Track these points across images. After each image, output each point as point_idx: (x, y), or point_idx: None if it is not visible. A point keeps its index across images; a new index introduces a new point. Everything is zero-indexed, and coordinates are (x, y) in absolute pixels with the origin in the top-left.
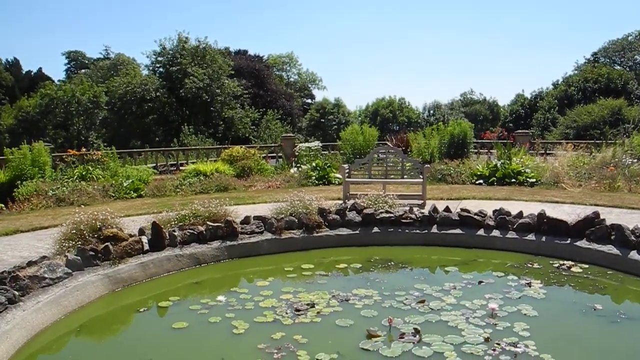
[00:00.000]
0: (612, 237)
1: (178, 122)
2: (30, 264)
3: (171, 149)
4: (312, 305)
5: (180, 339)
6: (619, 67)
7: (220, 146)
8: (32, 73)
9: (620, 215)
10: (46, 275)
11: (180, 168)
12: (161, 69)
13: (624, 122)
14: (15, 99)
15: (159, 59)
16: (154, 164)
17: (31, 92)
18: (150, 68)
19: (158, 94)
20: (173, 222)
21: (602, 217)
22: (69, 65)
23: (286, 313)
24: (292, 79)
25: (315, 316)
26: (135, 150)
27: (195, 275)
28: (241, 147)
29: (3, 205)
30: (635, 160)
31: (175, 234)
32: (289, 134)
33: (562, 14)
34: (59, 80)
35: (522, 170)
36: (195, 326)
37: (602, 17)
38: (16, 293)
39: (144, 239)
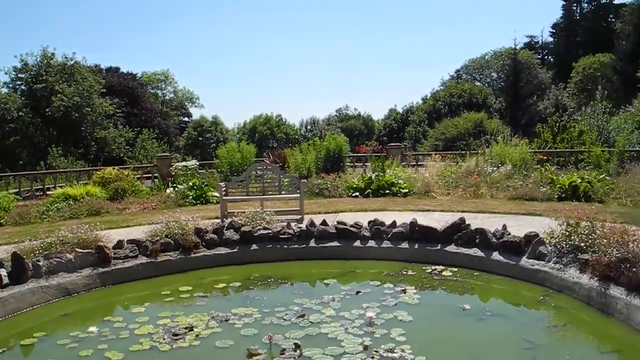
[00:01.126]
0: (477, 241)
1: (45, 143)
2: None
3: (37, 172)
4: (191, 329)
5: None
6: (479, 83)
7: (92, 168)
8: None
9: (484, 220)
10: None
11: (48, 192)
12: (23, 87)
13: (485, 134)
14: None
15: (20, 75)
16: (17, 190)
17: None
18: (11, 85)
19: (21, 113)
20: (37, 252)
21: (467, 222)
22: None
23: (163, 339)
24: (167, 97)
25: (194, 339)
26: None
27: (64, 307)
28: (114, 168)
29: None
30: (495, 168)
31: (40, 263)
32: (164, 154)
33: (428, 33)
34: None
35: (396, 182)
36: None
37: (463, 37)
38: None
39: (3, 272)
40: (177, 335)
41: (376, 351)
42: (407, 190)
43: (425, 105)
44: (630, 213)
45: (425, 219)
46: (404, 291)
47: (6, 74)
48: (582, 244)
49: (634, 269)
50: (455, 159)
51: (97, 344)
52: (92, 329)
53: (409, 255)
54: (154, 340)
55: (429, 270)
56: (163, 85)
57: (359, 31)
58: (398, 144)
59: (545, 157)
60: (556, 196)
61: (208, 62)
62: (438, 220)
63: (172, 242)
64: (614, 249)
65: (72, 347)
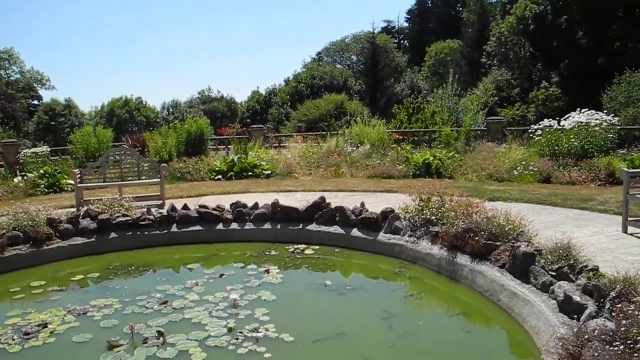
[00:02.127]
0: (337, 218)
1: None
2: None
3: None
4: (45, 326)
5: None
6: (339, 65)
7: None
8: None
9: (344, 198)
10: None
11: None
12: None
13: (345, 115)
14: None
15: None
16: None
17: None
18: None
19: None
20: None
21: (328, 201)
22: None
23: (13, 339)
24: (12, 78)
25: (48, 337)
26: None
27: None
28: None
29: None
30: (355, 148)
31: None
32: (11, 140)
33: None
34: None
35: (258, 164)
36: None
37: (324, 20)
38: None
39: None
40: (28, 334)
41: (240, 332)
42: (269, 172)
43: (287, 87)
44: (475, 187)
45: (288, 200)
46: (267, 271)
47: None
48: (433, 217)
49: (476, 238)
50: (316, 139)
51: None
52: None
53: (272, 235)
54: (1, 341)
55: (291, 250)
56: (7, 65)
57: (219, 12)
58: (261, 125)
59: (401, 137)
60: (411, 173)
61: (59, 41)
62: (300, 200)
63: (22, 234)
64: (460, 221)
65: None
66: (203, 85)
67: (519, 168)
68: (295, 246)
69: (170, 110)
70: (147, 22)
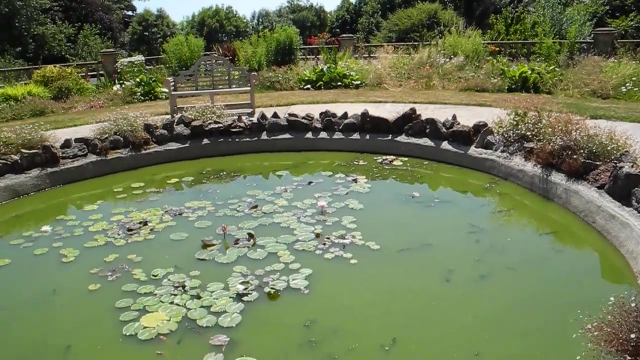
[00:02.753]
0: (427, 131)
1: None
2: None
3: None
4: (145, 223)
5: (4, 277)
6: None
7: (32, 67)
8: None
9: (434, 111)
10: None
11: None
12: None
13: (438, 25)
14: None
15: None
16: None
17: None
18: None
19: None
20: None
21: (418, 112)
22: None
23: (118, 234)
24: None
25: (148, 234)
26: None
27: (15, 208)
28: (55, 66)
29: None
30: (447, 60)
31: None
32: (109, 50)
33: None
34: None
35: (347, 74)
36: (19, 261)
37: None
38: None
39: None
40: (131, 230)
41: (328, 238)
42: (359, 82)
43: None
44: (576, 104)
45: (377, 110)
46: (355, 181)
47: None
48: (529, 133)
49: (574, 156)
50: (407, 50)
51: (52, 242)
52: (46, 228)
53: (361, 146)
54: (108, 236)
55: (379, 160)
56: None
57: None
58: (351, 35)
59: (498, 49)
60: (506, 87)
61: None
62: (389, 111)
63: (122, 139)
64: (558, 138)
65: (26, 247)
66: None
67: (628, 84)
68: (384, 157)
69: (260, 19)
70: None
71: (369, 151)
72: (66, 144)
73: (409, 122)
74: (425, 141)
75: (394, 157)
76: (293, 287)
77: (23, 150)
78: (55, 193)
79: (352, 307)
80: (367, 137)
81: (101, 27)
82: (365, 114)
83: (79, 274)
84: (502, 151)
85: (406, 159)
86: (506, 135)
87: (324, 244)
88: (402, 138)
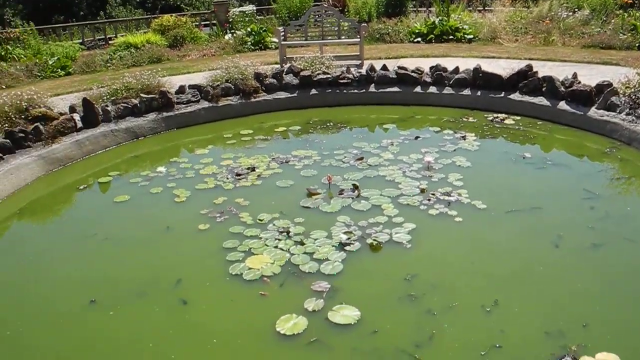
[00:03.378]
0: (543, 89)
1: None
2: None
3: (98, 22)
4: (253, 169)
5: (123, 211)
6: None
7: (150, 16)
8: None
9: (552, 68)
10: None
11: (109, 42)
12: None
13: None
14: None
15: None
16: (81, 40)
17: None
18: None
19: None
20: (105, 97)
21: (535, 70)
22: None
23: (227, 178)
24: None
25: (255, 179)
26: (58, 25)
27: (134, 149)
28: (171, 15)
29: None
30: (570, 14)
31: (109, 108)
32: (221, 0)
33: None
34: None
35: (460, 27)
36: (137, 198)
37: None
38: None
39: (76, 117)
40: (239, 175)
41: (433, 194)
42: (472, 36)
43: None
44: None
45: (490, 66)
46: (464, 138)
47: None
48: None
49: None
50: (526, 3)
51: (166, 182)
52: (161, 169)
53: (471, 102)
54: (218, 179)
55: (490, 118)
56: None
57: None
58: None
59: (630, 1)
60: (637, 45)
61: None
62: (503, 67)
63: (233, 87)
64: None
65: (143, 185)
66: None
67: None
68: (495, 115)
69: None
70: None
71: (479, 108)
72: (180, 90)
73: (524, 80)
74: (541, 100)
75: (506, 116)
76: (395, 241)
77: (142, 95)
78: (169, 136)
79: (454, 264)
80: (479, 93)
81: None
82: (477, 69)
83: (190, 214)
84: (628, 114)
85: (519, 118)
86: (633, 97)
87: (429, 199)
88: (515, 96)
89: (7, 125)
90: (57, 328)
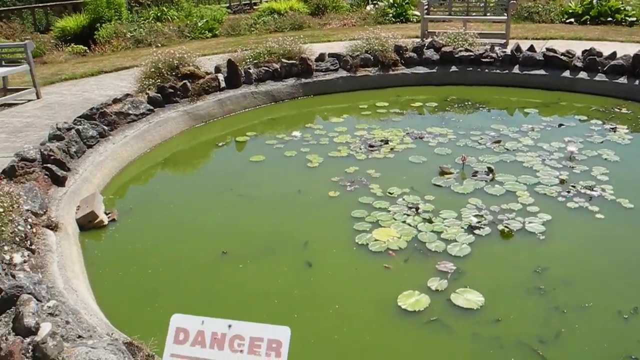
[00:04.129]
0: None
1: None
2: (115, 101)
3: None
4: (386, 142)
5: (258, 171)
6: None
7: None
8: None
9: None
10: (131, 112)
11: (254, 7)
12: None
13: None
14: None
15: None
16: (228, 4)
17: None
18: None
19: None
20: (248, 60)
21: None
22: None
23: (360, 149)
24: None
25: (388, 152)
26: None
27: (271, 112)
28: None
29: (87, 48)
30: None
31: (251, 71)
32: None
33: None
34: None
35: (622, 8)
36: (271, 159)
37: None
38: (105, 128)
39: (220, 77)
40: (372, 146)
41: (573, 186)
42: (634, 19)
43: None
44: None
45: None
46: (614, 129)
47: None
48: None
49: None
50: None
51: (300, 147)
52: (296, 133)
53: (626, 91)
54: (351, 149)
55: None
56: None
57: None
58: None
59: None
60: None
61: None
62: None
63: (372, 58)
64: None
65: (278, 147)
66: None
67: None
68: None
69: None
70: None
71: (636, 99)
72: (320, 57)
73: None
74: None
75: None
76: (528, 230)
77: (283, 60)
78: (306, 102)
79: (590, 263)
80: (637, 82)
81: None
82: (638, 56)
83: (321, 180)
84: None
85: None
86: None
87: (568, 191)
88: None
89: (159, 80)
90: (191, 276)
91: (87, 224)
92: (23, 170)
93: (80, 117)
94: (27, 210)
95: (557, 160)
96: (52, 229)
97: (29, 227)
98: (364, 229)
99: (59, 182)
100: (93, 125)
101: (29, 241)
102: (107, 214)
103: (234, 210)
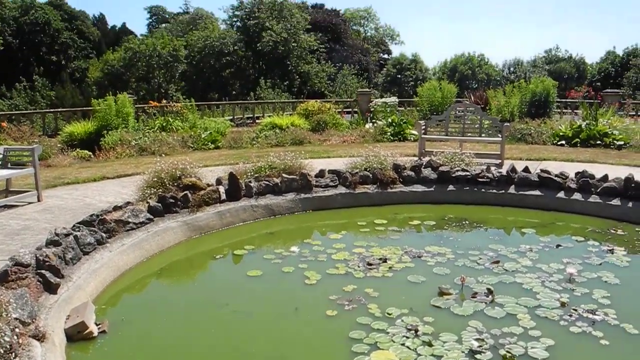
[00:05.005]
0: None
1: (254, 75)
2: (116, 208)
3: (248, 102)
4: (384, 260)
5: (255, 286)
6: None
7: (296, 100)
8: (117, 28)
9: None
10: (130, 220)
11: (257, 121)
12: (238, 23)
13: None
14: (102, 53)
15: (237, 13)
16: (231, 117)
17: (116, 47)
18: (228, 22)
19: (235, 47)
20: (249, 173)
21: None
22: (150, 20)
23: (358, 266)
24: (369, 34)
25: (387, 271)
26: (213, 102)
27: (270, 226)
28: (317, 101)
29: (91, 153)
30: None
31: (251, 184)
32: (364, 89)
33: None
34: (141, 35)
35: (609, 132)
36: (269, 275)
37: None
38: (104, 235)
39: (221, 189)
40: (371, 265)
41: (575, 309)
42: (622, 143)
43: None
44: None
45: None
46: (612, 251)
47: (225, 12)
48: None
49: None
50: None
51: (298, 262)
52: (294, 248)
53: (621, 213)
54: (349, 266)
55: None
56: (365, 22)
57: None
58: (616, 90)
59: None
60: None
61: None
62: None
63: (371, 175)
64: None
65: (276, 262)
66: (549, 44)
67: None
68: None
69: (512, 68)
70: None
71: (630, 221)
72: (320, 173)
73: None
74: None
75: None
76: (531, 356)
77: (284, 175)
78: (305, 217)
79: None
80: (630, 204)
81: (358, 68)
82: (629, 179)
83: (319, 298)
84: None
85: None
86: None
87: (570, 315)
88: None
89: (161, 190)
90: None
91: (76, 335)
92: (16, 275)
93: (79, 222)
94: (16, 318)
95: (557, 282)
96: (38, 340)
97: (15, 337)
98: (363, 351)
99: (52, 289)
100: (92, 232)
101: (13, 353)
102: (97, 324)
103: (229, 327)
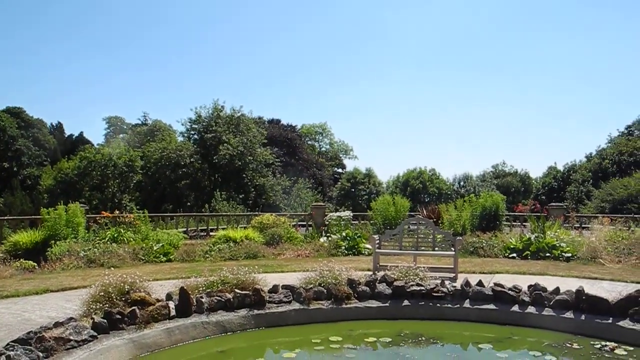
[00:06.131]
0: None
1: (210, 187)
2: (56, 324)
3: (202, 215)
4: None
5: None
6: None
7: (251, 213)
8: (74, 137)
9: None
10: (72, 337)
11: (211, 233)
12: (196, 136)
13: None
14: (57, 161)
15: (194, 126)
16: (185, 229)
17: (71, 155)
18: (186, 135)
19: (192, 159)
20: (201, 288)
21: None
22: (108, 130)
23: None
24: (323, 149)
25: None
26: (167, 214)
27: (221, 344)
28: (271, 214)
29: (36, 264)
30: None
31: (203, 300)
32: (319, 203)
33: (594, 87)
34: (98, 144)
35: (557, 245)
36: None
37: (635, 91)
38: (40, 355)
39: (171, 305)
40: None
41: None
42: (570, 255)
43: (589, 164)
44: None
45: (593, 288)
46: None
47: (182, 124)
48: None
49: None
50: (627, 223)
51: None
52: None
53: (575, 327)
54: None
55: (598, 346)
56: (320, 137)
57: (518, 88)
58: (560, 204)
59: None
60: None
61: (363, 115)
62: (608, 290)
63: (325, 291)
64: None
65: None
66: (496, 159)
67: None
68: (603, 343)
69: (462, 182)
70: (441, 97)
71: (584, 334)
72: (274, 289)
73: (635, 306)
74: None
75: (616, 345)
76: None
77: (237, 291)
78: (257, 334)
79: None
80: (583, 317)
81: (313, 182)
82: (580, 292)
83: None
84: None
85: (632, 348)
86: None
87: None
88: (625, 323)
89: (108, 305)
90: None
91: None
92: None
93: (14, 341)
94: None
95: None
96: None
97: None
98: None
99: None
100: (27, 352)
101: None
102: None
103: None
